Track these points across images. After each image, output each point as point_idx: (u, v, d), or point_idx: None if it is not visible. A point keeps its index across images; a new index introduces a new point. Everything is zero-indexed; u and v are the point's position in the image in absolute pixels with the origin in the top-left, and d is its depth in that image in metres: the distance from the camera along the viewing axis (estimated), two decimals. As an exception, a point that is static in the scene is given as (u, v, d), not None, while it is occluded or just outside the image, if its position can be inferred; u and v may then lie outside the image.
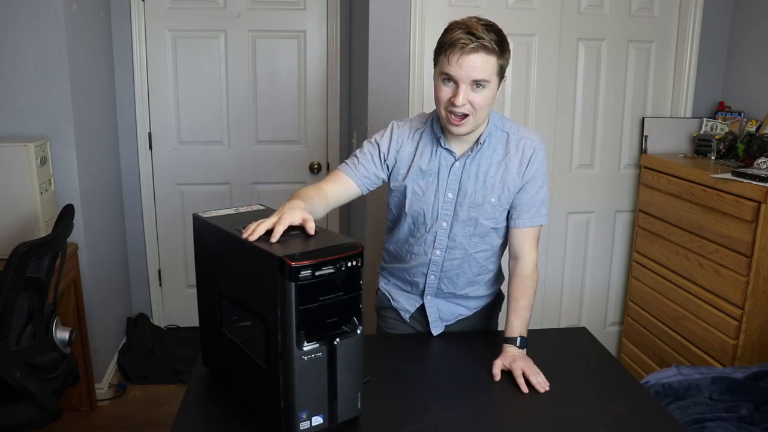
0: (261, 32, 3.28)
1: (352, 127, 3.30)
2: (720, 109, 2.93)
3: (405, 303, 1.80)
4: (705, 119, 2.91)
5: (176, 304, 3.52)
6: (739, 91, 2.91)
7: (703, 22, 2.88)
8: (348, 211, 3.51)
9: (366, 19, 2.71)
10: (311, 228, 1.26)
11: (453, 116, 1.51)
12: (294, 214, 1.27)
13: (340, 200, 1.68)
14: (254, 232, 1.21)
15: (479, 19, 1.49)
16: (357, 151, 1.69)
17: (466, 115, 1.51)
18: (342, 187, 1.65)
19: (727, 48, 2.96)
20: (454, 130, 1.53)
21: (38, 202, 2.32)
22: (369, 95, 2.74)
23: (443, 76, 1.50)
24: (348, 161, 1.68)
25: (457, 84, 1.48)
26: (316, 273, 1.14)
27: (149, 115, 3.28)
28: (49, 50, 2.44)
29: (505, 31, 1.53)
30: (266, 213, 1.44)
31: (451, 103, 1.49)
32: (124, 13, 3.12)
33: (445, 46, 1.49)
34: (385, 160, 1.66)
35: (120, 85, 3.19)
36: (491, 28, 1.48)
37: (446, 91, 1.50)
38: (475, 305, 1.80)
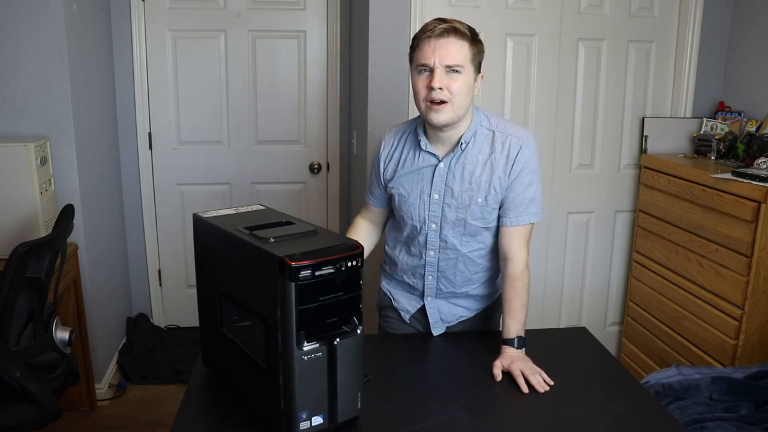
0: (261, 32, 3.28)
1: (352, 127, 3.30)
2: (720, 109, 2.93)
3: (406, 304, 1.80)
4: (705, 119, 2.91)
5: (176, 304, 3.52)
6: (739, 91, 2.91)
7: (703, 22, 2.88)
8: (348, 212, 3.51)
9: (366, 19, 2.71)
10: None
11: (431, 103, 1.51)
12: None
13: (378, 222, 1.84)
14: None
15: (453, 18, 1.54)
16: (371, 172, 1.80)
17: (444, 102, 1.50)
18: (370, 213, 1.83)
19: (727, 48, 2.96)
20: (433, 117, 1.52)
21: (38, 202, 2.31)
22: (369, 95, 2.74)
23: (419, 68, 1.52)
24: (368, 186, 1.83)
25: (432, 71, 1.49)
26: (316, 273, 1.14)
27: (149, 115, 3.27)
28: (49, 50, 2.43)
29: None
30: (266, 213, 1.44)
31: (428, 89, 1.50)
32: (124, 13, 3.12)
33: (417, 36, 1.53)
34: (380, 176, 1.73)
35: (120, 84, 3.19)
36: (462, 22, 1.52)
37: (423, 80, 1.52)
38: (476, 306, 1.79)
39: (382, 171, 1.72)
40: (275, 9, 3.26)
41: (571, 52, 2.87)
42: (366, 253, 1.67)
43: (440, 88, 1.48)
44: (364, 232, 1.81)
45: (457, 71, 1.49)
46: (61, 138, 2.52)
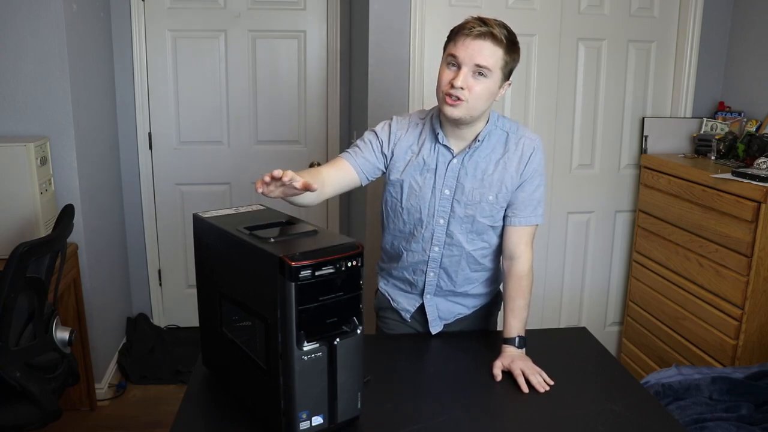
0: (261, 32, 3.28)
1: (352, 127, 3.30)
2: (720, 109, 2.93)
3: (405, 303, 1.79)
4: (705, 119, 2.91)
5: (176, 304, 3.52)
6: (739, 91, 2.91)
7: (703, 22, 2.88)
8: (348, 211, 3.51)
9: (366, 19, 2.71)
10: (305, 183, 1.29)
11: (449, 97, 1.51)
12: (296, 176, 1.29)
13: (338, 186, 1.64)
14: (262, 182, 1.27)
15: (497, 19, 1.52)
16: (358, 140, 1.70)
17: (461, 100, 1.51)
18: (340, 172, 1.63)
19: (727, 48, 2.96)
20: (447, 110, 1.53)
21: (38, 202, 2.31)
22: (369, 95, 2.74)
23: (448, 59, 1.52)
24: (349, 149, 1.69)
25: (459, 67, 1.49)
26: (316, 273, 1.14)
27: (149, 115, 3.27)
28: (49, 50, 2.43)
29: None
30: (266, 213, 1.44)
31: (450, 84, 1.50)
32: (124, 13, 3.12)
33: (455, 30, 1.52)
34: (382, 150, 1.67)
35: (120, 85, 3.19)
36: (504, 26, 1.52)
37: (448, 73, 1.52)
38: (473, 304, 1.80)
39: (386, 143, 1.66)
40: (275, 9, 3.26)
41: (571, 52, 2.87)
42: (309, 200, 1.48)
43: (461, 88, 1.49)
44: (318, 180, 1.51)
45: (482, 74, 1.49)
46: (61, 138, 2.52)
